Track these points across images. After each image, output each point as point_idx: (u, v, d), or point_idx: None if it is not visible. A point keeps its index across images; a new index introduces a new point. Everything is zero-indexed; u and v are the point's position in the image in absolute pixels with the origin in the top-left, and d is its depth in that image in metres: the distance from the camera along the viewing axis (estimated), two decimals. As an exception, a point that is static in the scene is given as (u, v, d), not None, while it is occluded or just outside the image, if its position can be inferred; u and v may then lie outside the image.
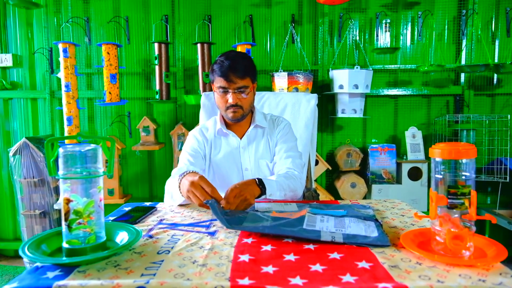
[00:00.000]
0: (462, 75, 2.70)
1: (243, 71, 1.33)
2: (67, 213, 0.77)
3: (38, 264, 0.74)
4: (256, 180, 1.18)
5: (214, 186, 1.08)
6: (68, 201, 0.76)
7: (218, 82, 1.35)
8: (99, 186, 0.80)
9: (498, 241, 0.79)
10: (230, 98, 1.35)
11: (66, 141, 2.29)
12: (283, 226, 0.91)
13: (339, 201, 1.27)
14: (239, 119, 1.41)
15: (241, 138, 1.47)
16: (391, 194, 2.57)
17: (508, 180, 2.44)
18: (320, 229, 0.90)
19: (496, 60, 2.69)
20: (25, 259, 0.75)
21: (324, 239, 0.84)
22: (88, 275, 0.70)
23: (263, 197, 1.19)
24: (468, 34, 2.64)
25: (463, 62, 2.68)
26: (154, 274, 0.69)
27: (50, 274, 0.70)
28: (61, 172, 0.77)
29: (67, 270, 0.72)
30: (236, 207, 1.08)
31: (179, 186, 1.15)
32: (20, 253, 0.75)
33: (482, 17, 2.66)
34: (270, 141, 1.47)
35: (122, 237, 0.86)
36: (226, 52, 1.40)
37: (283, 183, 1.25)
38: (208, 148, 1.48)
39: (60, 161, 0.77)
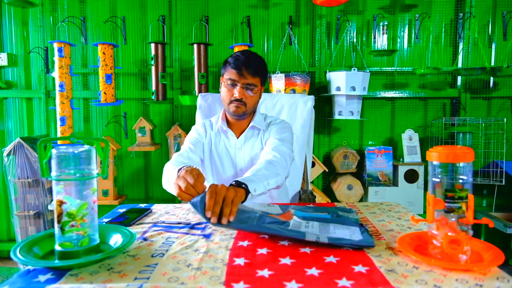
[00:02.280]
0: (459, 78, 2.70)
1: (255, 69, 1.35)
2: (60, 215, 0.75)
3: (30, 267, 0.72)
4: (234, 183, 1.06)
5: (202, 176, 1.01)
6: (61, 203, 0.75)
7: (229, 74, 1.36)
8: (93, 188, 0.78)
9: (493, 243, 0.79)
10: (236, 92, 1.36)
11: (59, 142, 2.27)
12: (268, 224, 0.89)
13: (335, 203, 1.27)
14: (240, 115, 1.41)
15: (238, 138, 1.48)
16: (388, 196, 2.57)
17: (504, 183, 2.45)
18: (305, 231, 0.88)
19: (492, 64, 2.70)
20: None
21: (309, 238, 0.83)
22: (80, 278, 0.69)
23: (249, 196, 1.08)
24: (465, 37, 2.65)
25: (459, 65, 2.68)
26: (148, 278, 0.68)
27: (42, 278, 0.69)
28: (54, 173, 0.75)
29: (59, 273, 0.70)
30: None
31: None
32: (12, 255, 0.74)
33: (479, 21, 2.67)
34: (263, 141, 1.47)
35: (116, 239, 0.85)
36: (243, 49, 1.41)
37: (260, 172, 1.16)
38: (207, 143, 1.49)
39: (53, 162, 0.76)
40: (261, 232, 0.86)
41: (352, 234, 0.89)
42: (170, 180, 1.18)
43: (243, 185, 1.05)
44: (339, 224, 0.97)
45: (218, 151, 1.48)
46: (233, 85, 1.36)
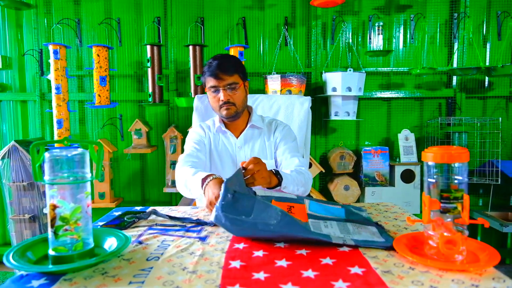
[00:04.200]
0: (454, 78, 2.71)
1: (230, 68, 1.39)
2: (53, 220, 0.75)
3: (23, 272, 0.72)
4: (273, 170, 1.20)
5: None
6: (54, 207, 0.74)
7: (209, 82, 1.41)
8: (87, 191, 0.78)
9: (489, 242, 0.79)
10: (221, 96, 1.39)
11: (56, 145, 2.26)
12: (292, 226, 0.87)
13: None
14: (233, 116, 1.44)
15: (237, 138, 1.50)
16: (384, 196, 2.58)
17: (499, 182, 2.46)
18: (329, 233, 0.88)
19: (487, 63, 2.71)
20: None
21: (335, 241, 0.83)
22: (74, 283, 0.68)
23: (277, 188, 1.20)
24: (460, 37, 2.66)
25: (455, 65, 2.69)
26: (143, 282, 0.68)
27: (35, 283, 0.68)
28: (47, 177, 0.75)
29: (52, 278, 0.70)
30: (251, 179, 1.09)
31: (203, 190, 1.12)
32: (5, 261, 0.73)
33: (474, 21, 2.68)
34: (266, 142, 1.51)
35: (110, 243, 0.84)
36: (215, 55, 1.46)
37: (296, 177, 1.27)
38: (207, 141, 1.51)
39: (46, 166, 0.75)
40: (288, 237, 0.85)
41: (373, 234, 0.90)
42: (188, 184, 1.22)
43: (279, 177, 1.19)
44: (356, 223, 0.97)
45: (218, 151, 1.50)
46: (216, 91, 1.40)
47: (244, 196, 0.96)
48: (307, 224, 0.94)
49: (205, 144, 1.50)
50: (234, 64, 1.41)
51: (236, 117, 1.46)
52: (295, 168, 1.36)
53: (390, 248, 0.82)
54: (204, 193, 1.11)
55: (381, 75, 2.77)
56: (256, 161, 1.11)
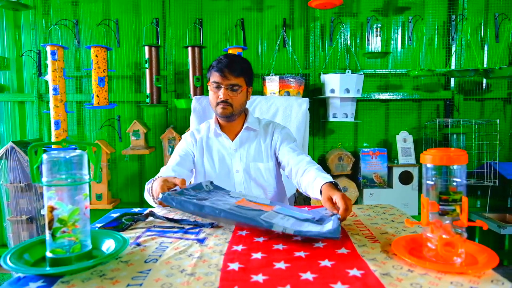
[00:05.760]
0: (452, 79, 2.72)
1: (238, 70, 1.38)
2: (51, 221, 0.74)
3: (20, 274, 0.71)
4: (339, 188, 1.14)
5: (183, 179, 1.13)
6: (52, 209, 0.74)
7: (213, 77, 1.40)
8: (85, 193, 0.77)
9: (487, 244, 0.79)
10: (221, 94, 1.39)
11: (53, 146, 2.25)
12: (239, 213, 0.92)
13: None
14: (228, 116, 1.43)
15: (233, 140, 1.48)
16: (383, 198, 2.58)
17: (497, 184, 2.47)
18: (274, 222, 0.90)
19: (485, 65, 2.72)
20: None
21: (276, 229, 0.87)
22: (72, 285, 0.67)
23: None
24: (458, 39, 2.67)
25: (453, 67, 2.70)
26: (141, 284, 0.67)
27: (33, 285, 0.67)
28: (45, 179, 0.74)
29: (50, 280, 0.69)
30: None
31: (151, 192, 1.22)
32: (1, 263, 0.73)
33: (472, 23, 2.69)
34: (262, 144, 1.49)
35: (108, 245, 0.84)
36: (227, 53, 1.47)
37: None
38: (198, 150, 1.50)
39: (44, 167, 0.74)
40: (228, 218, 0.92)
41: (322, 228, 0.90)
42: (146, 192, 1.30)
43: (339, 187, 1.16)
44: (315, 224, 0.96)
45: (212, 155, 1.49)
46: (218, 87, 1.40)
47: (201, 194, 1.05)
48: (263, 212, 0.97)
49: (192, 154, 1.50)
50: (243, 67, 1.41)
51: (231, 119, 1.45)
52: (311, 165, 1.33)
53: (329, 238, 0.83)
54: (151, 191, 1.20)
55: (379, 77, 2.77)
56: (349, 206, 1.00)
